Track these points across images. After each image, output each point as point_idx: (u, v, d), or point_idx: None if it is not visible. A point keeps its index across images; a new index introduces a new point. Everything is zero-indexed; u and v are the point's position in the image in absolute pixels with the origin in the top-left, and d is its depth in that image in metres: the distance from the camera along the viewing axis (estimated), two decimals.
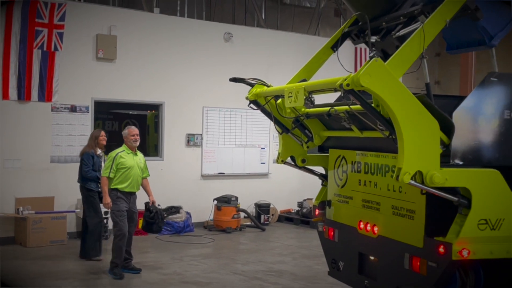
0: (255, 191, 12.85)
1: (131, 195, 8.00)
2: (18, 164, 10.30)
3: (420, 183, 4.74)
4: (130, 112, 13.46)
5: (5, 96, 10.10)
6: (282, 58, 13.07)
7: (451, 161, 4.84)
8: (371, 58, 4.61)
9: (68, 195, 10.48)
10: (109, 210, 8.02)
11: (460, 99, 5.36)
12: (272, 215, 12.96)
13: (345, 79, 4.66)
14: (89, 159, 8.83)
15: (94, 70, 11.01)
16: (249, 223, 12.38)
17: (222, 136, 12.60)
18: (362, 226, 5.98)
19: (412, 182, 4.70)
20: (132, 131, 8.10)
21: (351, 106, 5.11)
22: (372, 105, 4.91)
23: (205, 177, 12.37)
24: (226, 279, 8.01)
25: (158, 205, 8.34)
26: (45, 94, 10.41)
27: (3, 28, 10.00)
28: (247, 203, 12.54)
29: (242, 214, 12.17)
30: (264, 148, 13.09)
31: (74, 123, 10.75)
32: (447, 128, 4.81)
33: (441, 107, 4.97)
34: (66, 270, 8.31)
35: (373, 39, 6.21)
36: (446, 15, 5.02)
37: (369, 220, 5.90)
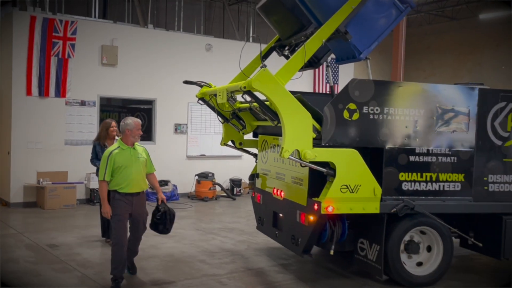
0: (231, 169, 13.49)
1: (133, 196, 5.89)
2: (39, 145, 11.03)
3: (298, 159, 5.49)
4: (142, 107, 13.96)
5: (29, 93, 10.85)
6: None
7: (322, 143, 5.56)
8: (261, 67, 5.35)
9: (78, 170, 11.21)
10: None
11: None
12: (244, 188, 13.69)
13: (244, 83, 5.41)
14: (93, 149, 7.82)
15: (100, 73, 11.69)
16: (224, 194, 13.14)
17: (204, 125, 13.28)
18: (275, 191, 6.72)
19: (292, 157, 5.43)
20: (139, 124, 6.01)
21: (254, 104, 5.88)
22: (267, 102, 5.65)
23: (189, 158, 13.10)
24: (188, 233, 8.77)
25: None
26: (61, 91, 11.13)
27: (27, 40, 10.73)
28: (224, 178, 13.26)
29: (218, 187, 12.94)
30: None
31: (83, 114, 11.46)
32: (319, 119, 5.54)
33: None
34: (74, 225, 9.13)
35: (287, 52, 6.98)
36: (323, 36, 5.70)
37: (279, 187, 6.64)
